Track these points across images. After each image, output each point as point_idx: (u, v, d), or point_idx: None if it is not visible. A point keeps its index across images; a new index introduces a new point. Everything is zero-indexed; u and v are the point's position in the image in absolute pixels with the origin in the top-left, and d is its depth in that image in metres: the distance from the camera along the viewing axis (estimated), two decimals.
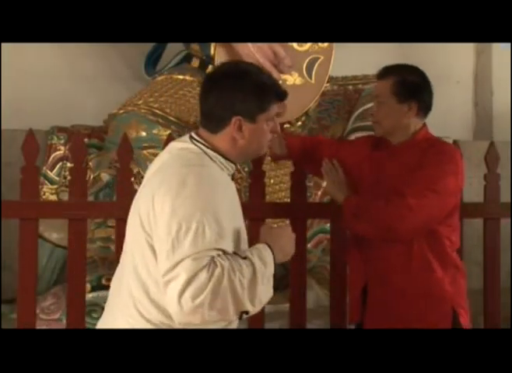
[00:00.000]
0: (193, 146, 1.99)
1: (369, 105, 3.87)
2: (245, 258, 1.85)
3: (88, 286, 3.05)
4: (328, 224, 3.25)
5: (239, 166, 3.47)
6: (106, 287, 3.15)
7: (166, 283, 1.79)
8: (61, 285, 3.27)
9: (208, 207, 1.83)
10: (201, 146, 1.98)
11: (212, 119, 1.99)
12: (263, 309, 2.77)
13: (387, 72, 2.53)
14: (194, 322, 1.80)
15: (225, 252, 1.84)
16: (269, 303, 2.86)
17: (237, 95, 1.95)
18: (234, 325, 1.96)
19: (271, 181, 3.61)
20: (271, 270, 1.89)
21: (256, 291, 1.83)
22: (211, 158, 1.97)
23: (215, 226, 1.82)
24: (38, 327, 2.82)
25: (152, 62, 4.08)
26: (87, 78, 4.19)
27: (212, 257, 1.80)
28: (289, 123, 3.75)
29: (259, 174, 2.93)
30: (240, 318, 1.89)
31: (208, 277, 1.76)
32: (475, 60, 5.05)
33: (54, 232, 3.43)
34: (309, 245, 3.43)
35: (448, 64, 4.70)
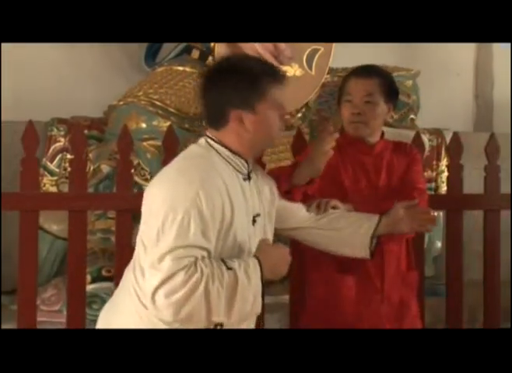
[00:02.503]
0: (203, 140, 2.00)
1: None
2: (230, 269, 1.81)
3: (88, 277, 3.05)
4: None
5: None
6: (107, 279, 3.17)
7: (147, 276, 1.80)
8: (62, 277, 3.28)
9: (195, 201, 1.80)
10: (210, 141, 1.98)
11: (212, 117, 1.98)
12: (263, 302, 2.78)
13: (372, 71, 2.52)
14: (166, 318, 1.81)
15: (209, 253, 1.82)
16: (269, 294, 2.87)
17: (229, 87, 1.92)
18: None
19: None
20: (256, 286, 1.84)
21: (234, 304, 1.80)
22: (217, 152, 1.95)
23: (200, 222, 1.80)
24: (39, 318, 2.83)
25: (151, 53, 4.08)
26: (87, 70, 4.18)
27: (196, 259, 1.78)
28: (289, 114, 3.75)
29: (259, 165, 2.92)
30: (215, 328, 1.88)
31: (185, 279, 1.75)
32: (475, 52, 5.04)
33: (55, 224, 3.43)
34: None
35: (449, 56, 4.69)
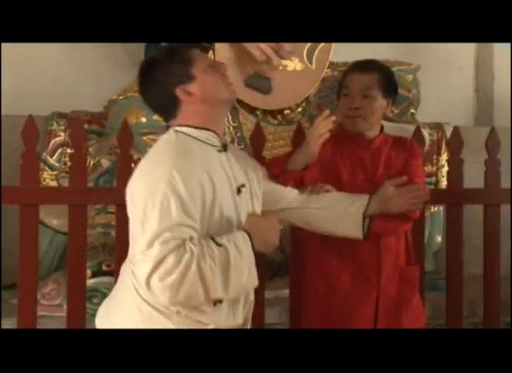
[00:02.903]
0: (170, 130, 2.03)
1: None
2: (220, 245, 1.83)
3: (88, 272, 3.06)
4: None
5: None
6: (107, 273, 3.17)
7: (139, 264, 1.82)
8: (62, 271, 3.28)
9: (171, 182, 1.82)
10: (175, 127, 2.01)
11: (165, 110, 2.04)
12: (263, 296, 2.79)
13: (371, 66, 2.52)
14: (164, 302, 1.83)
15: (195, 230, 1.83)
16: (269, 289, 2.87)
17: (161, 75, 1.99)
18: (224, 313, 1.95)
19: None
20: (249, 258, 1.86)
21: (229, 279, 1.82)
22: (184, 134, 1.98)
23: (179, 202, 1.82)
24: (39, 313, 2.84)
25: (151, 48, 4.06)
26: (87, 64, 4.18)
27: (183, 240, 1.80)
28: (290, 109, 3.74)
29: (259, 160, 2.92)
30: (215, 305, 1.89)
31: (176, 261, 1.77)
32: (476, 46, 5.03)
33: (55, 218, 3.43)
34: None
35: (450, 50, 4.67)
